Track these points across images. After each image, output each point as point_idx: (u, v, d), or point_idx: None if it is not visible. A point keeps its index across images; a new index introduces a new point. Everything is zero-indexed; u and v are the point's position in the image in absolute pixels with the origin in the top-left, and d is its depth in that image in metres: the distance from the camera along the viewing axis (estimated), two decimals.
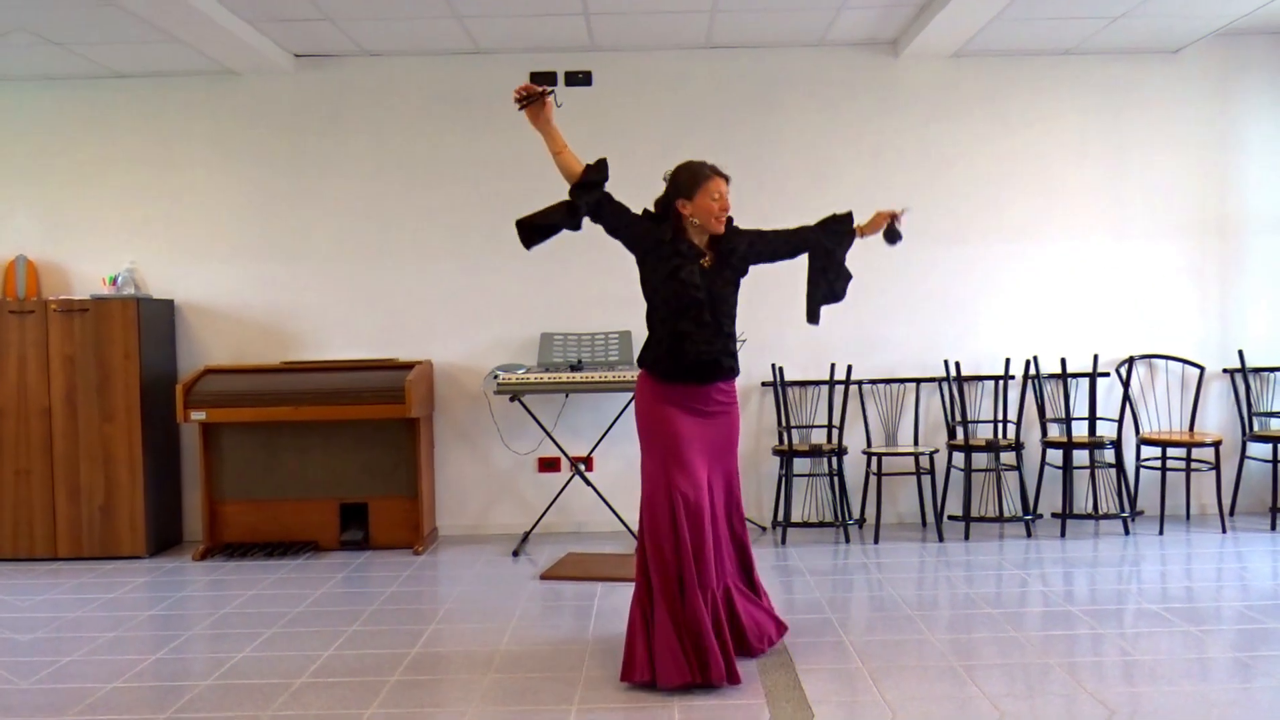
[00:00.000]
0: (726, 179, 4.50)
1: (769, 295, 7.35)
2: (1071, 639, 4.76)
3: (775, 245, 4.67)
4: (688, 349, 4.37)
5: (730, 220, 4.53)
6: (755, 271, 7.33)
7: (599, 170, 4.42)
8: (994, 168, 7.42)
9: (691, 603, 4.18)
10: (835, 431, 7.12)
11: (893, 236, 4.75)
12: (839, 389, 7.20)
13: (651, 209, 4.56)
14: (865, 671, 4.37)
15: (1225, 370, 7.41)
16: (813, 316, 4.76)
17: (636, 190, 7.25)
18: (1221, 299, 7.45)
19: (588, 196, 4.40)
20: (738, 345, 4.57)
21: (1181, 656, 4.47)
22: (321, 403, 6.77)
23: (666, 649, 4.15)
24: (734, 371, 4.54)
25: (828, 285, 4.72)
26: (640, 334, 7.12)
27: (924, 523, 7.29)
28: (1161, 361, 7.42)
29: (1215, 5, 6.57)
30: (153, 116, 7.46)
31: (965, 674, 4.30)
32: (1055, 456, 7.22)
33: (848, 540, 6.92)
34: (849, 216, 4.74)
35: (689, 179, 4.45)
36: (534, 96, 4.34)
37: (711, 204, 4.42)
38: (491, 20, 6.71)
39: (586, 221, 4.49)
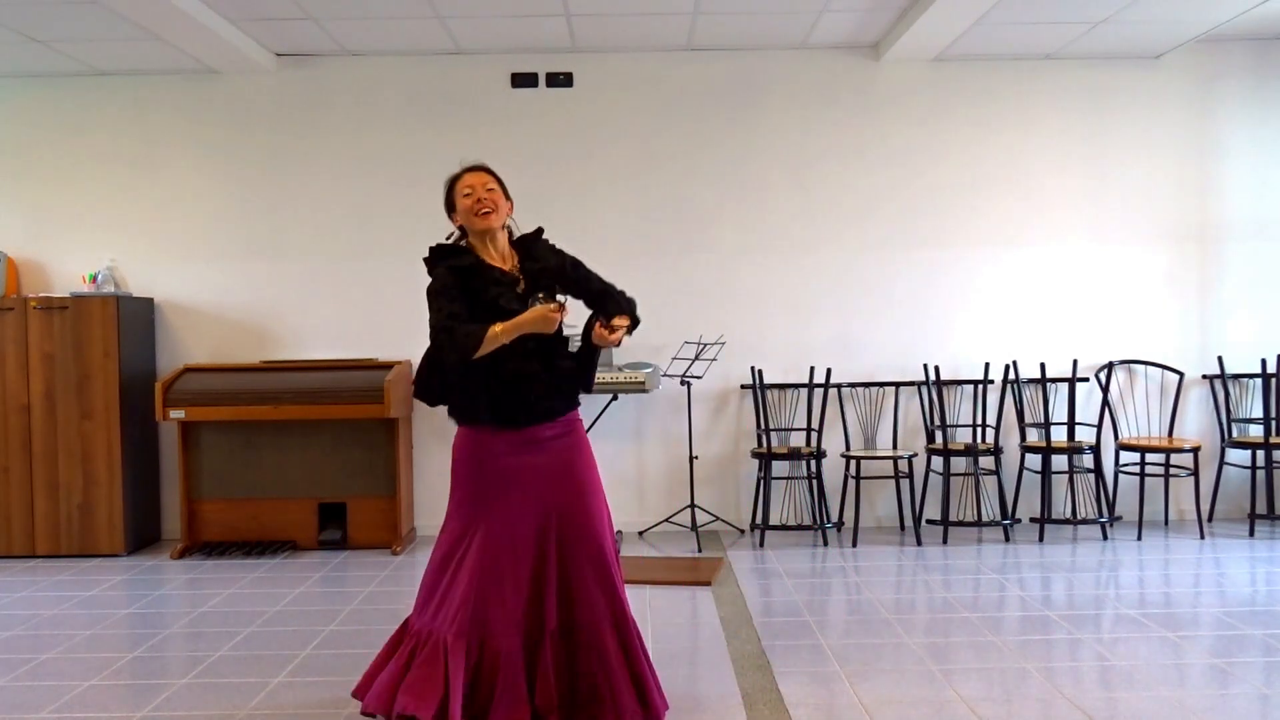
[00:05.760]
0: (479, 169, 4.00)
1: (748, 298, 7.38)
2: (1049, 644, 4.78)
3: (579, 286, 4.01)
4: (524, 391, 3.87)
5: (540, 231, 4.03)
6: (734, 272, 7.38)
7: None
8: (974, 172, 7.44)
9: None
10: (814, 435, 7.12)
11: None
12: (818, 392, 7.21)
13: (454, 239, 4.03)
14: (843, 674, 4.38)
15: (1204, 376, 7.45)
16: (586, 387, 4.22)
17: (615, 191, 7.32)
18: (1201, 305, 7.48)
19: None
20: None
21: (1159, 662, 4.49)
22: (300, 402, 6.76)
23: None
24: (567, 409, 4.07)
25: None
26: None
27: (902, 526, 7.31)
28: (1141, 367, 7.45)
29: (1196, 12, 6.60)
30: (134, 115, 7.43)
31: (942, 678, 4.31)
32: (1034, 461, 7.24)
33: (826, 543, 6.93)
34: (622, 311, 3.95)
35: (446, 193, 4.02)
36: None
37: (465, 201, 3.91)
38: (473, 21, 6.70)
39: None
